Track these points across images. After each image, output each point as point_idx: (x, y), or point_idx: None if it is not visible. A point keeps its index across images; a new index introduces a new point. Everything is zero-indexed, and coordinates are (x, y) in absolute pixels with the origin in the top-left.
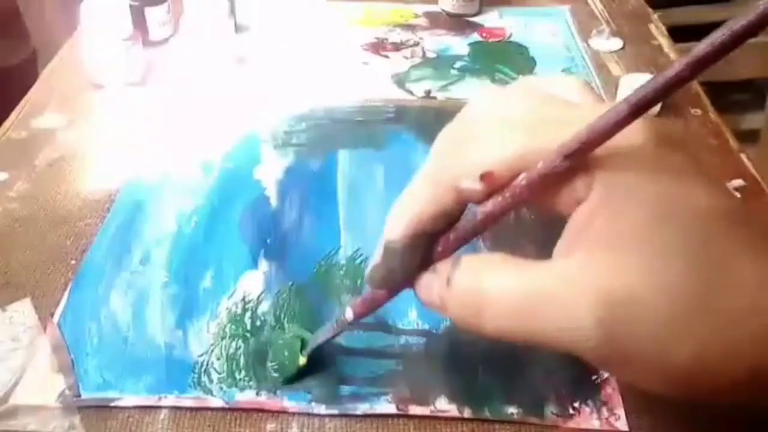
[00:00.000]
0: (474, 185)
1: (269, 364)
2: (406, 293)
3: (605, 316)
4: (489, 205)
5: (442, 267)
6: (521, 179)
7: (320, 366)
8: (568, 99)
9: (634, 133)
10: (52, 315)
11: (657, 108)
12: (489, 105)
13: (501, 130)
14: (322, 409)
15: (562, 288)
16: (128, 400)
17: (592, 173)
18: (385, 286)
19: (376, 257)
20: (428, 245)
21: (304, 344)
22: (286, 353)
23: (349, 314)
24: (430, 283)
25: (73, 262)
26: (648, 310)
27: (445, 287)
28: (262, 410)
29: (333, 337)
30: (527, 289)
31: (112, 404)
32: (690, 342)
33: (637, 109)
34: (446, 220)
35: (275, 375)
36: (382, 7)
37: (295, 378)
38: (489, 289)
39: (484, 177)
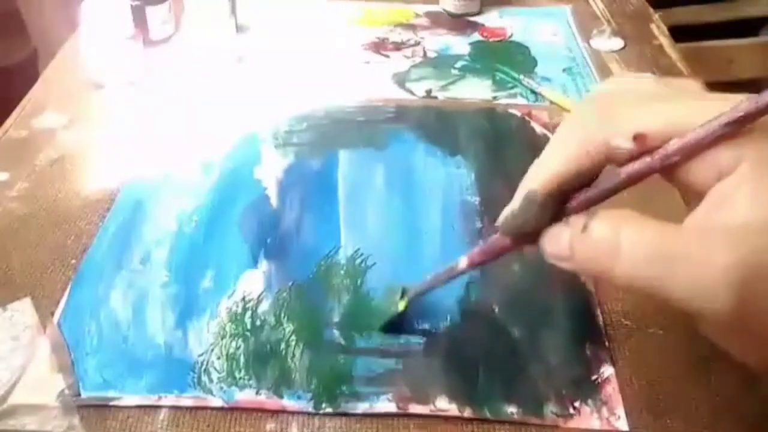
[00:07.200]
0: (626, 144)
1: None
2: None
3: (738, 279)
4: (636, 166)
5: (575, 220)
6: (673, 143)
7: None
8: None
9: None
10: (52, 315)
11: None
12: (628, 84)
13: (653, 99)
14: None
15: (700, 248)
16: (128, 399)
17: (741, 146)
18: (515, 234)
19: (512, 205)
20: (562, 200)
21: (404, 292)
22: (386, 299)
23: (463, 263)
24: (560, 233)
25: (73, 261)
26: None
27: (578, 234)
28: (261, 410)
29: (438, 285)
30: (665, 245)
31: (112, 404)
32: None
33: None
34: (585, 178)
35: (374, 319)
36: (382, 7)
37: (390, 325)
38: (627, 238)
39: (636, 138)
